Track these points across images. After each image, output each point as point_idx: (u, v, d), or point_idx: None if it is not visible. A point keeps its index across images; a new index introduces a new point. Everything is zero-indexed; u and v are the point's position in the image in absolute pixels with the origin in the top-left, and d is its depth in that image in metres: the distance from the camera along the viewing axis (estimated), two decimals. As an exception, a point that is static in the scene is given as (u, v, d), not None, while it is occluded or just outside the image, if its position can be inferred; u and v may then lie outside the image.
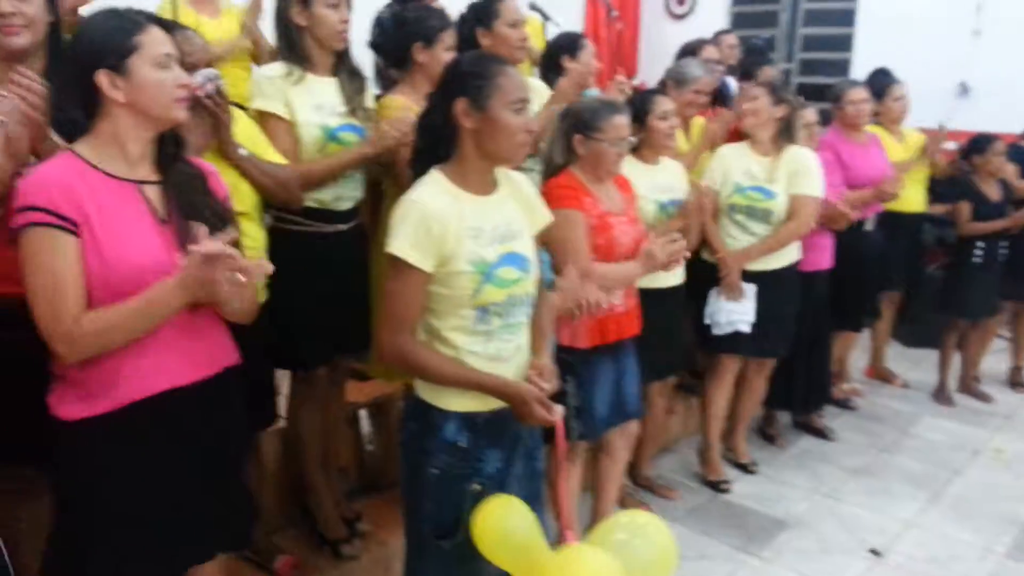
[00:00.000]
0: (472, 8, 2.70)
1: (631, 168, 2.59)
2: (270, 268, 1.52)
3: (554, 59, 2.89)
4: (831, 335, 3.79)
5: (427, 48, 2.38)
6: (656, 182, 2.81)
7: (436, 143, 1.72)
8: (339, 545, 2.54)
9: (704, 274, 3.13)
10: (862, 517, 3.26)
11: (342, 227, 2.37)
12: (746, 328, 3.15)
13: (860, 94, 3.73)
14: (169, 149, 1.60)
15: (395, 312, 1.70)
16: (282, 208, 2.24)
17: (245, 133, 2.12)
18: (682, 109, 3.09)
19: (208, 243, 1.42)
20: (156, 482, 1.57)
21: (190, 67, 1.74)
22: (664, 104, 2.77)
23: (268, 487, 2.62)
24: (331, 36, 2.25)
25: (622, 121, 2.35)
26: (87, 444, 1.54)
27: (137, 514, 1.57)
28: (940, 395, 4.43)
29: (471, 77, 1.67)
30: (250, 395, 1.81)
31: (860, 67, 5.60)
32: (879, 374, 4.67)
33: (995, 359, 4.74)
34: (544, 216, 1.89)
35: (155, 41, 1.50)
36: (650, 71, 5.83)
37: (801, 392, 3.71)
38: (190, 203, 1.58)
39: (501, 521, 1.68)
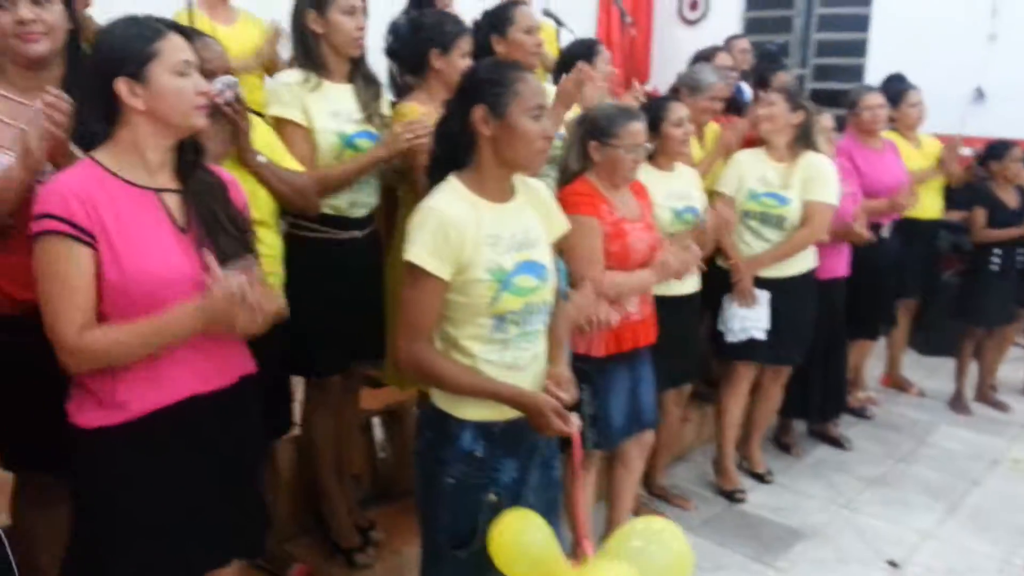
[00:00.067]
0: (487, 15, 2.69)
1: (646, 175, 2.58)
2: (282, 304, 1.53)
3: (570, 65, 2.88)
4: (847, 343, 3.76)
5: (443, 54, 2.37)
6: (671, 189, 2.80)
7: (454, 150, 1.71)
8: (353, 554, 2.53)
9: (719, 281, 3.11)
10: (879, 528, 3.22)
11: (357, 234, 2.37)
12: (760, 335, 3.13)
13: (876, 99, 3.71)
14: (189, 157, 1.60)
15: (411, 320, 1.68)
16: (298, 215, 2.24)
17: (262, 140, 2.12)
18: (697, 116, 3.07)
19: (231, 279, 1.44)
20: (174, 490, 1.57)
21: (209, 74, 1.73)
22: (678, 111, 2.76)
23: (281, 495, 2.62)
24: (347, 43, 2.25)
25: (638, 128, 2.33)
26: (105, 452, 1.54)
27: (155, 522, 1.56)
28: (957, 404, 4.39)
29: (489, 84, 1.66)
30: (265, 402, 1.81)
31: (874, 72, 5.57)
32: (895, 382, 4.63)
33: (1011, 367, 4.70)
34: (562, 224, 1.88)
35: (174, 48, 1.50)
36: (662, 77, 5.83)
37: (817, 401, 3.67)
38: (210, 212, 1.58)
39: (518, 535, 1.66)
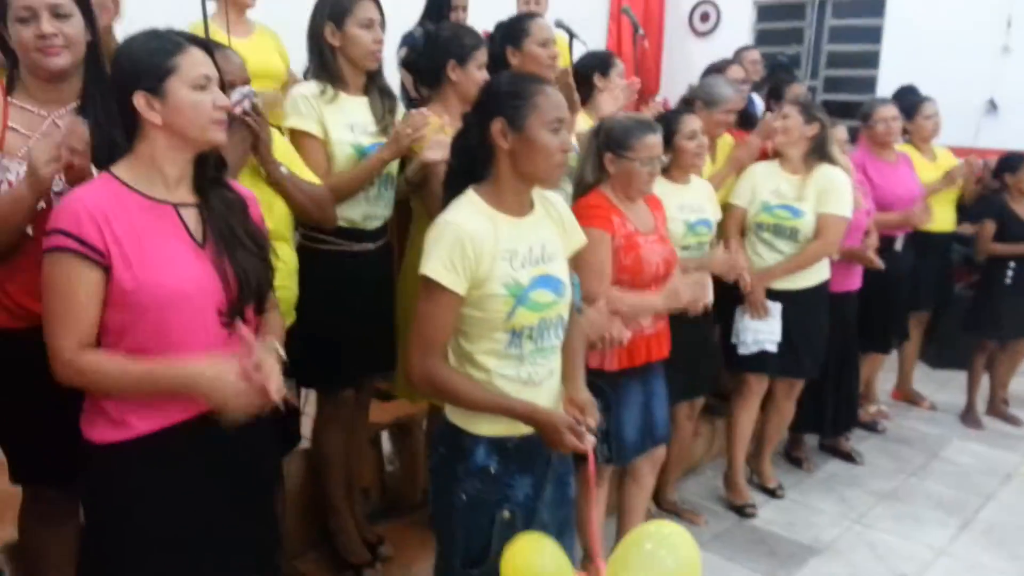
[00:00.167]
0: (502, 27, 2.69)
1: (660, 187, 2.57)
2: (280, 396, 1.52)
3: (586, 77, 2.88)
4: (859, 356, 3.74)
5: (460, 66, 2.37)
6: (684, 201, 2.78)
7: (472, 163, 1.70)
8: (362, 570, 2.51)
9: (730, 293, 3.09)
10: (892, 544, 3.19)
11: (370, 246, 2.37)
12: (773, 348, 3.11)
13: (890, 111, 3.69)
14: (210, 172, 1.59)
15: (425, 334, 1.67)
16: (313, 227, 2.23)
17: (279, 152, 2.11)
18: (711, 129, 3.06)
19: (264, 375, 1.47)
20: (186, 507, 1.56)
21: (228, 86, 1.73)
22: (691, 123, 2.74)
23: (289, 509, 2.60)
24: (364, 56, 2.26)
25: (654, 140, 2.32)
26: (117, 468, 1.53)
27: (167, 538, 1.55)
28: (968, 418, 4.36)
29: (508, 97, 1.65)
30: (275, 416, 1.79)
31: (886, 84, 5.56)
32: (906, 396, 4.60)
33: (1022, 381, 4.65)
34: (579, 238, 1.86)
35: (194, 63, 1.49)
36: (672, 88, 5.83)
37: (830, 415, 3.65)
38: (228, 227, 1.57)
39: (530, 561, 1.64)
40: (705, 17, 7.12)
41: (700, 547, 2.70)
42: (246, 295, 1.57)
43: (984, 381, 4.40)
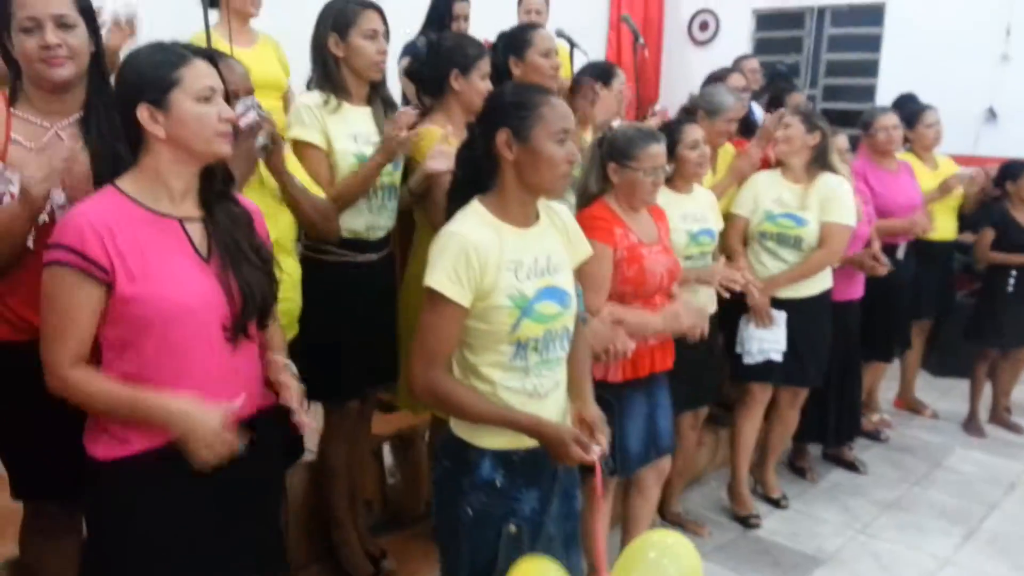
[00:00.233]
0: (504, 37, 2.69)
1: (663, 197, 2.56)
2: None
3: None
4: (862, 365, 3.73)
5: (463, 76, 2.37)
6: (686, 211, 2.77)
7: (477, 174, 1.69)
8: (365, 583, 2.49)
9: (734, 303, 3.09)
10: (897, 553, 3.17)
11: (373, 256, 2.36)
12: (778, 357, 3.10)
13: (891, 120, 3.70)
14: (217, 186, 1.58)
15: (429, 346, 1.65)
16: (316, 239, 2.23)
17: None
18: (713, 139, 3.06)
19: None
20: (190, 522, 1.55)
21: (231, 95, 1.72)
22: (693, 133, 2.74)
23: (292, 522, 2.58)
24: (368, 67, 2.25)
25: (658, 150, 2.31)
26: (121, 484, 1.52)
27: (171, 554, 1.54)
28: (971, 426, 4.35)
29: (513, 107, 1.65)
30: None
31: (886, 93, 5.58)
32: (908, 405, 4.59)
33: (1020, 389, 4.64)
34: (585, 249, 1.85)
35: (198, 74, 1.48)
36: (671, 97, 5.83)
37: (833, 424, 3.64)
38: (233, 242, 1.56)
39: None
40: (704, 26, 7.14)
41: (704, 558, 2.69)
42: (250, 310, 1.56)
43: (986, 389, 4.39)
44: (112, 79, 1.66)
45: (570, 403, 1.82)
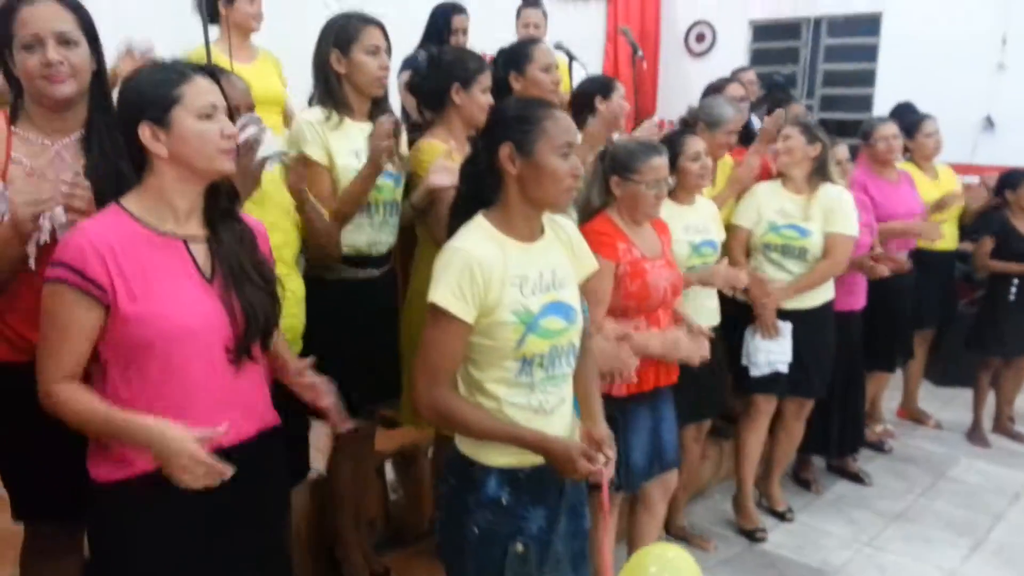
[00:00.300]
0: (504, 52, 2.69)
1: (664, 209, 2.55)
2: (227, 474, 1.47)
3: (588, 100, 2.87)
4: (865, 376, 3.72)
5: (464, 89, 2.37)
6: (688, 223, 2.77)
7: (481, 189, 1.68)
8: (369, 602, 2.47)
9: (739, 315, 3.08)
10: (904, 566, 3.15)
11: (375, 272, 2.35)
12: (784, 368, 3.10)
13: (891, 130, 3.70)
14: (223, 204, 1.57)
15: (433, 363, 1.64)
16: (317, 259, 2.22)
17: (269, 177, 2.08)
18: (714, 151, 3.05)
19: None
20: (195, 543, 1.53)
21: (232, 111, 1.70)
22: (695, 145, 2.74)
23: (295, 541, 2.55)
24: (370, 83, 2.25)
25: (660, 163, 2.31)
26: (123, 506, 1.50)
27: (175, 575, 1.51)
28: (975, 435, 4.34)
29: (517, 122, 1.64)
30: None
31: (883, 103, 5.59)
32: (911, 415, 4.58)
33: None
34: (591, 263, 1.84)
35: (199, 92, 1.47)
36: (669, 108, 5.85)
37: (836, 435, 3.62)
38: (236, 261, 1.55)
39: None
40: (701, 38, 7.17)
41: (709, 572, 2.66)
42: (253, 331, 1.55)
43: (989, 399, 4.37)
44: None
45: (580, 421, 1.80)
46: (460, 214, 1.70)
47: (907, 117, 4.04)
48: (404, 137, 2.44)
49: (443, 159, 2.23)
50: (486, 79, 2.38)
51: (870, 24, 6.33)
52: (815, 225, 3.06)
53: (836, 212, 3.05)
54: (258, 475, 1.59)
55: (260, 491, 1.61)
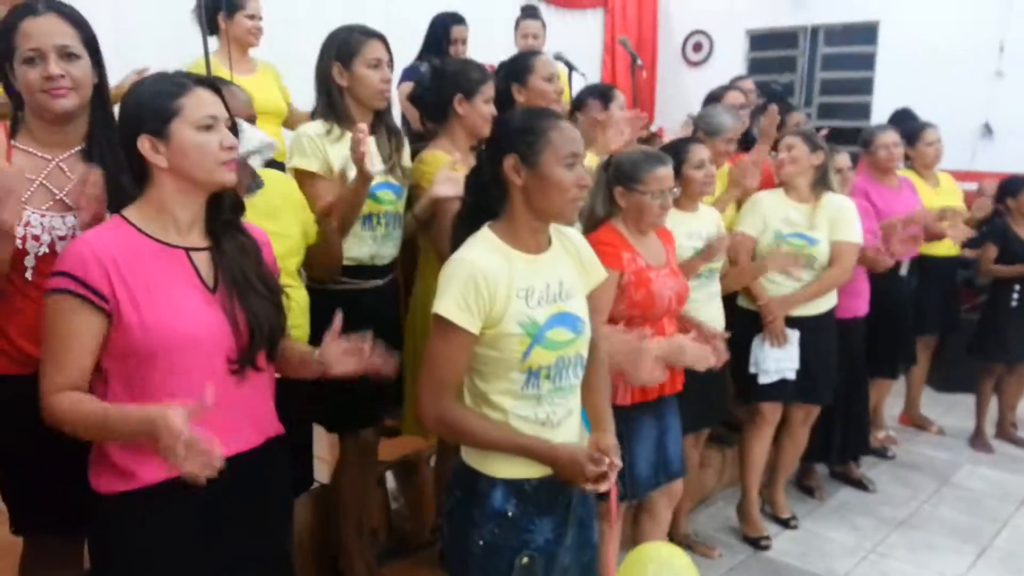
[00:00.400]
0: (506, 64, 2.70)
1: (668, 216, 2.54)
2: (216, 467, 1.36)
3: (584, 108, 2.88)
4: (868, 383, 3.71)
5: (467, 100, 2.37)
6: (692, 229, 2.77)
7: (487, 200, 1.67)
8: (373, 614, 2.45)
9: (744, 323, 3.08)
10: (909, 574, 3.14)
11: (379, 283, 2.34)
12: (792, 375, 3.11)
13: (892, 137, 3.71)
14: (225, 215, 1.56)
15: (437, 375, 1.63)
16: (319, 277, 2.22)
17: (277, 191, 2.08)
18: (714, 159, 3.05)
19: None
20: (197, 557, 1.51)
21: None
22: (700, 153, 2.74)
23: (297, 552, 2.53)
24: (372, 96, 2.25)
25: (665, 173, 2.30)
26: (126, 519, 1.49)
27: None
28: (978, 442, 4.33)
29: (521, 133, 1.63)
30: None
31: (881, 110, 5.61)
32: (914, 421, 4.57)
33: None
34: (599, 274, 1.83)
35: (199, 103, 1.47)
36: (667, 118, 5.87)
37: (838, 443, 3.62)
38: (241, 272, 1.54)
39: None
40: (698, 47, 7.19)
41: (714, 581, 2.65)
42: (257, 342, 1.54)
43: (991, 404, 4.37)
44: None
45: (584, 430, 1.79)
46: (466, 226, 1.70)
47: (907, 124, 4.05)
48: (407, 149, 2.44)
49: (447, 170, 2.22)
50: (489, 90, 2.38)
51: (867, 32, 6.35)
52: (821, 233, 3.07)
53: (841, 220, 3.08)
54: (261, 485, 1.59)
55: (263, 501, 1.60)
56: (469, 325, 1.58)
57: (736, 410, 3.51)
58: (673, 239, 2.50)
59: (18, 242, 1.64)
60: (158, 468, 1.46)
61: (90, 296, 1.40)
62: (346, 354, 1.62)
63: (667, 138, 3.24)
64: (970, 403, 4.44)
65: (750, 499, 3.35)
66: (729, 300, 3.02)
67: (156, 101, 1.46)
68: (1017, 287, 4.07)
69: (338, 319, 1.59)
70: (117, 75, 2.42)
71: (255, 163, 1.90)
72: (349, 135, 2.24)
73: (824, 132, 3.54)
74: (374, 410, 2.39)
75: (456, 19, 3.81)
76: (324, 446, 2.80)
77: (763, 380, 3.12)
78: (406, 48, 3.63)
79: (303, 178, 2.22)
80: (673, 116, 4.14)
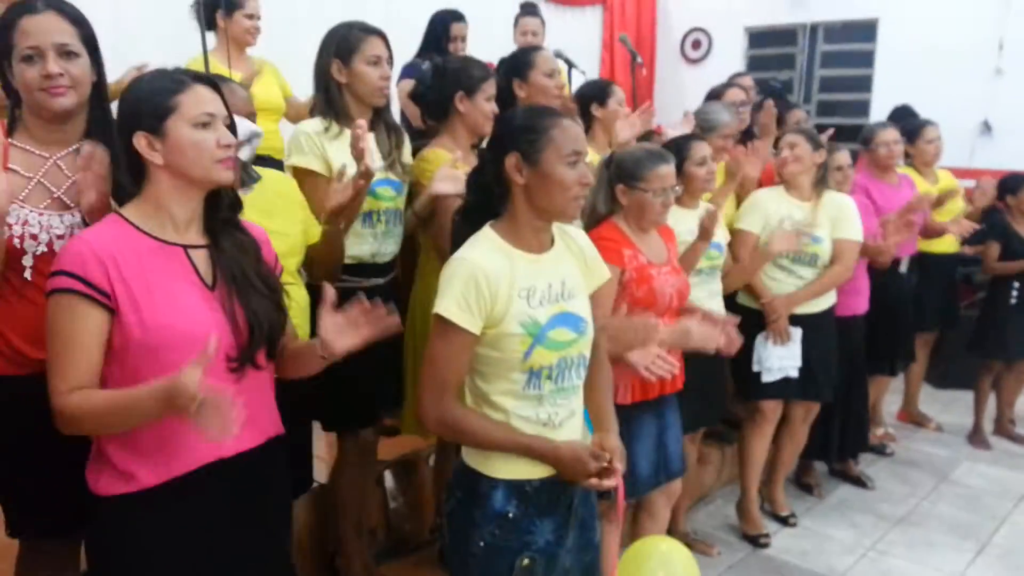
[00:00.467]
0: (506, 60, 2.70)
1: (670, 213, 2.54)
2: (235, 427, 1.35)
3: (584, 107, 2.87)
4: (868, 380, 3.71)
5: (468, 97, 2.36)
6: (693, 226, 2.75)
7: (489, 199, 1.66)
8: (371, 614, 2.45)
9: (745, 321, 3.06)
10: (908, 570, 3.14)
11: (379, 281, 2.33)
12: (795, 373, 3.12)
13: (892, 135, 3.72)
14: (223, 213, 1.54)
15: (438, 376, 1.62)
16: (319, 276, 2.21)
17: (277, 190, 2.07)
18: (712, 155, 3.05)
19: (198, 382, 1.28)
20: (196, 560, 1.50)
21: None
22: (702, 150, 2.73)
23: (296, 551, 2.53)
24: (371, 93, 2.23)
25: (666, 171, 2.29)
26: (125, 522, 1.47)
27: None
28: (976, 438, 4.34)
29: (523, 131, 1.62)
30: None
31: (880, 108, 5.60)
32: (912, 418, 4.57)
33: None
34: (603, 273, 1.81)
35: (197, 100, 1.45)
36: (665, 115, 5.85)
37: (837, 441, 3.62)
38: (240, 270, 1.52)
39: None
40: (697, 44, 7.18)
41: (714, 579, 2.64)
42: (256, 340, 1.52)
43: (990, 401, 4.37)
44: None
45: (586, 431, 1.79)
46: (468, 225, 1.68)
47: (907, 121, 4.05)
48: (408, 145, 2.43)
49: (447, 167, 2.21)
50: (490, 87, 2.37)
51: (866, 30, 6.35)
52: (824, 231, 3.08)
53: (842, 219, 3.09)
54: (262, 485, 1.57)
55: (263, 502, 1.59)
56: (470, 325, 1.57)
57: (735, 408, 3.52)
58: (675, 236, 2.49)
59: (16, 241, 1.63)
60: (158, 470, 1.46)
61: (92, 293, 1.39)
62: (346, 326, 1.54)
63: (665, 134, 3.22)
64: (968, 400, 4.46)
65: (749, 497, 3.35)
66: (729, 299, 3.02)
67: (153, 98, 1.44)
68: (1016, 284, 4.08)
69: (330, 292, 1.54)
70: (116, 73, 2.42)
71: (244, 154, 1.88)
72: (348, 133, 2.23)
73: (830, 132, 3.54)
74: (374, 410, 2.38)
75: (456, 16, 3.80)
76: (322, 445, 2.80)
77: (767, 378, 3.12)
78: (406, 45, 3.62)
79: (302, 176, 2.20)
80: (672, 114, 4.14)
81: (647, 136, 3.17)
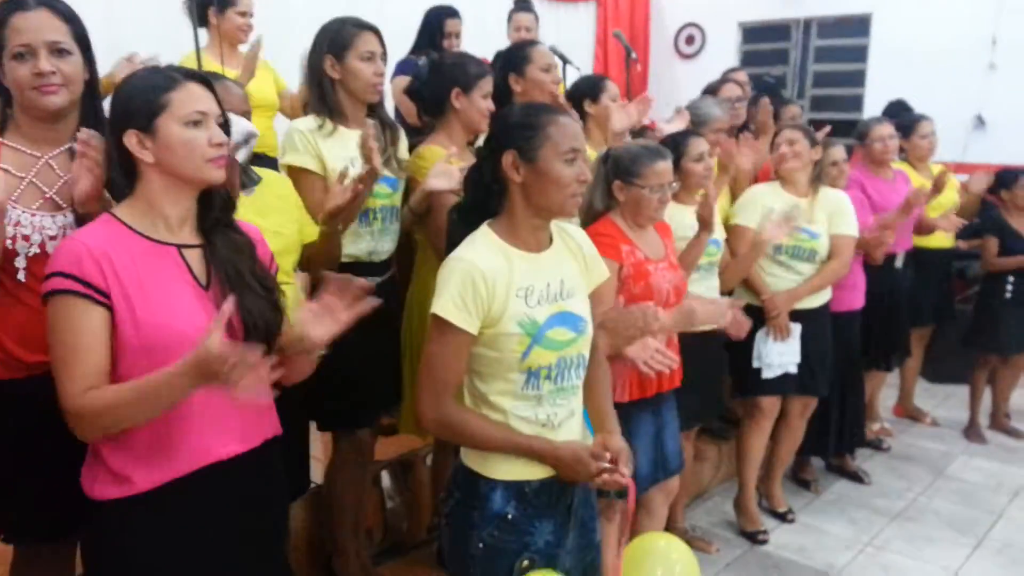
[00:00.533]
0: (503, 55, 2.68)
1: (667, 208, 2.53)
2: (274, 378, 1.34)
3: (576, 103, 2.85)
4: (864, 375, 3.72)
5: (464, 94, 2.35)
6: (690, 221, 2.75)
7: (486, 198, 1.64)
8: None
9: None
10: (907, 566, 3.14)
11: (377, 279, 2.31)
12: (794, 368, 3.12)
13: (887, 130, 3.72)
14: (216, 212, 1.52)
15: (437, 376, 1.60)
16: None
17: (272, 190, 2.05)
18: (705, 150, 3.04)
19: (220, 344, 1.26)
20: (193, 564, 1.49)
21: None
22: (699, 146, 2.72)
23: (291, 553, 2.52)
24: (365, 89, 2.22)
25: (663, 167, 2.28)
26: (121, 525, 1.46)
27: None
28: (972, 433, 4.34)
29: (520, 128, 1.60)
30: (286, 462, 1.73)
31: (873, 103, 5.61)
32: (908, 412, 4.58)
33: (1019, 394, 4.63)
34: (602, 272, 1.80)
35: (188, 98, 1.43)
36: (659, 110, 5.83)
37: (834, 435, 3.62)
38: (235, 270, 1.50)
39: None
40: (690, 40, 7.18)
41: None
42: (252, 340, 1.50)
43: (986, 395, 4.39)
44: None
45: (585, 430, 1.77)
46: (465, 224, 1.67)
47: (902, 116, 4.05)
48: (404, 141, 2.41)
49: (442, 163, 2.20)
50: (487, 84, 2.36)
51: (860, 25, 6.36)
52: (821, 227, 3.09)
53: (839, 214, 3.10)
54: (258, 487, 1.56)
55: (261, 503, 1.57)
56: (467, 325, 1.56)
57: (732, 404, 3.51)
58: (671, 232, 2.48)
59: (8, 243, 1.61)
60: (154, 473, 1.44)
61: (90, 293, 1.36)
62: (322, 313, 1.49)
63: (659, 130, 3.20)
64: (964, 394, 4.46)
65: (747, 493, 3.35)
66: (727, 296, 3.01)
67: (144, 95, 1.42)
68: (1011, 279, 4.08)
69: (301, 277, 1.51)
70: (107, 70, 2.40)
71: (241, 155, 1.86)
72: (342, 130, 2.22)
73: (827, 129, 3.54)
74: (371, 410, 2.36)
75: (450, 12, 3.78)
76: (319, 446, 2.78)
77: (767, 374, 3.12)
78: (399, 42, 3.60)
79: (297, 175, 2.18)
80: (665, 109, 4.12)
81: (641, 132, 3.15)
